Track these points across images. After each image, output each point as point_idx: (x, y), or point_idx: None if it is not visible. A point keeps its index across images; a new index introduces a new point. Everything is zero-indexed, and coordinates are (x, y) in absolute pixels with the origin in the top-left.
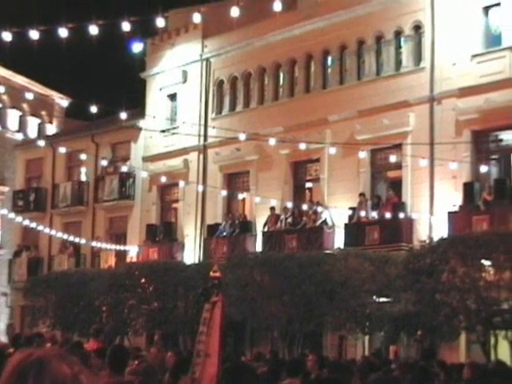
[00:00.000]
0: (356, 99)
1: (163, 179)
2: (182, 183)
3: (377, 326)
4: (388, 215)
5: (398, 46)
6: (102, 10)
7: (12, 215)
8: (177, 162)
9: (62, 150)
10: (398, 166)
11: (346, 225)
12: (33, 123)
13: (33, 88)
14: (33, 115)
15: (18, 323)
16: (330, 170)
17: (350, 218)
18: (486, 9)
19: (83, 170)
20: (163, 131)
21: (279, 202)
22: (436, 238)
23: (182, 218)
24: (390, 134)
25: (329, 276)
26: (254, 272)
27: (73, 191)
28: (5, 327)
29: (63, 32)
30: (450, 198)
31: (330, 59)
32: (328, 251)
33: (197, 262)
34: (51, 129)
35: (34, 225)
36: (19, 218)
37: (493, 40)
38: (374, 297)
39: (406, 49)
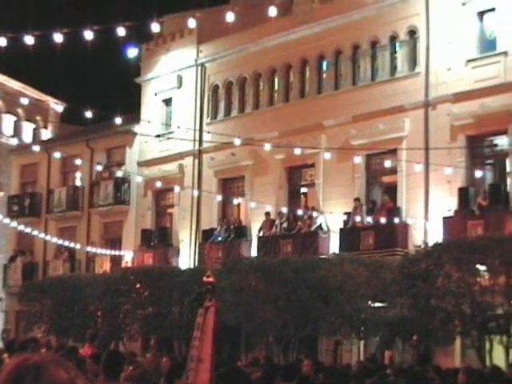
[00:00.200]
0: (351, 104)
1: (158, 184)
2: (177, 188)
3: (372, 331)
4: (383, 220)
5: (393, 51)
6: (97, 16)
7: (7, 220)
8: (172, 166)
9: (57, 155)
10: (393, 171)
11: (341, 230)
12: (28, 128)
13: (28, 93)
14: (28, 120)
15: (12, 328)
16: (325, 175)
17: (345, 223)
18: (481, 14)
19: (78, 175)
20: (158, 136)
21: (274, 207)
22: (431, 243)
23: (177, 222)
24: (385, 139)
25: (324, 281)
26: (249, 277)
27: (68, 196)
28: (0, 332)
29: (58, 37)
30: (445, 203)
31: (325, 64)
32: (323, 256)
33: (192, 267)
34: (46, 134)
35: (28, 230)
36: (14, 223)
37: (487, 45)
38: (369, 302)
39: (401, 54)
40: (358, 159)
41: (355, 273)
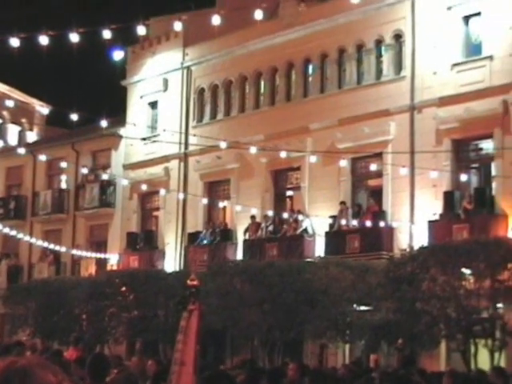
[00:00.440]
0: (337, 108)
1: (144, 187)
2: (162, 191)
3: (357, 335)
4: (368, 224)
5: (379, 55)
6: (82, 18)
7: None
8: (157, 169)
9: (43, 157)
10: (379, 174)
11: (326, 233)
12: (13, 131)
13: (13, 95)
14: (13, 123)
15: None
16: (310, 179)
17: (331, 226)
18: (467, 18)
19: (64, 177)
20: (144, 139)
21: (260, 211)
22: (416, 247)
23: (163, 226)
24: (371, 142)
25: (309, 284)
26: (235, 280)
27: (53, 199)
28: None
29: (44, 39)
30: (431, 206)
31: (310, 68)
32: (309, 259)
33: (177, 270)
34: (31, 136)
35: (14, 233)
36: None
37: (473, 49)
38: (355, 305)
39: (387, 58)
40: (344, 162)
41: (341, 276)
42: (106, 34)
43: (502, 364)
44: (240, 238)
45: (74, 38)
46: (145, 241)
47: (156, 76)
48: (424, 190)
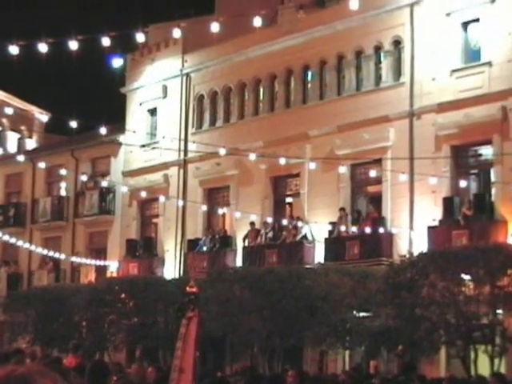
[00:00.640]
0: (336, 114)
1: (143, 194)
2: (162, 198)
3: (357, 341)
4: (368, 230)
5: (378, 61)
6: (81, 25)
7: None
8: (157, 176)
9: (42, 165)
10: (378, 180)
11: (326, 239)
12: (12, 138)
13: (12, 103)
14: (12, 130)
15: None
16: (310, 185)
17: (330, 232)
18: (465, 24)
19: (63, 185)
20: (143, 146)
21: (259, 217)
22: (416, 253)
23: (163, 232)
24: (370, 148)
25: (309, 291)
26: (234, 287)
27: (52, 206)
28: None
29: (43, 47)
30: (430, 212)
31: (310, 74)
32: (308, 266)
33: (177, 277)
34: (31, 144)
35: (13, 240)
36: None
37: (472, 55)
38: (355, 311)
39: (386, 64)
40: (343, 169)
41: (340, 283)
42: (105, 42)
43: (502, 370)
44: (239, 244)
45: (74, 45)
46: (144, 248)
47: (155, 83)
48: (423, 196)
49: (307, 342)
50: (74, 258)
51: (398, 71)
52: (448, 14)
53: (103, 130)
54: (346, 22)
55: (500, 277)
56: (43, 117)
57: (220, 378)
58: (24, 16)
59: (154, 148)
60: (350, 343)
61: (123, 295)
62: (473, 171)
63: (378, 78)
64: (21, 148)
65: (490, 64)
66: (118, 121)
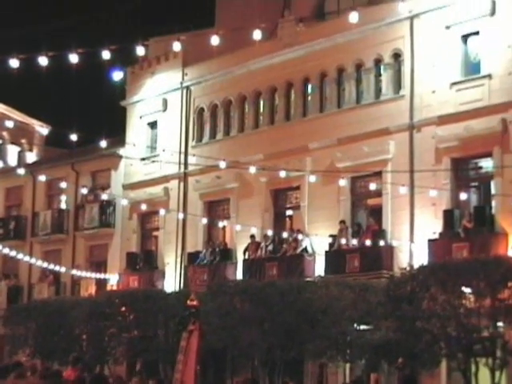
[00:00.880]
0: (336, 127)
1: (143, 207)
2: (162, 211)
3: (358, 354)
4: (368, 243)
5: (378, 74)
6: (82, 39)
7: None
8: (157, 189)
9: (42, 178)
10: (378, 193)
11: (326, 252)
12: (13, 151)
13: (12, 116)
14: (13, 143)
15: None
16: (310, 198)
17: (331, 245)
18: (465, 37)
19: (63, 198)
20: (143, 159)
21: (260, 230)
22: (416, 266)
23: (163, 245)
24: (370, 161)
25: (309, 304)
26: (235, 300)
27: (53, 219)
28: None
29: (43, 60)
30: (430, 225)
31: (310, 87)
32: (309, 279)
33: (177, 290)
34: (31, 157)
35: (13, 253)
36: None
37: (472, 68)
38: (355, 324)
39: (386, 77)
40: (343, 182)
41: (341, 295)
42: (106, 55)
43: (503, 383)
44: (240, 257)
45: (74, 58)
46: (144, 261)
47: (155, 96)
48: (424, 209)
49: (308, 355)
50: (74, 271)
51: (398, 84)
52: (448, 27)
53: (103, 143)
54: (345, 34)
55: (501, 289)
56: (43, 130)
57: None
58: (24, 29)
59: (154, 161)
60: (351, 356)
61: (123, 308)
62: (473, 184)
63: (378, 91)
64: (21, 161)
65: (489, 76)
66: (118, 134)
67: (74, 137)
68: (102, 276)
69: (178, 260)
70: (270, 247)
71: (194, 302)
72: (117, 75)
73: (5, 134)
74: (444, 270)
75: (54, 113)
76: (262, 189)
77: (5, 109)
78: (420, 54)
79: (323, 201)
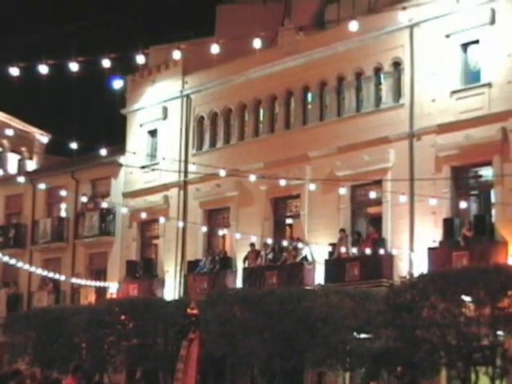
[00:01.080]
0: (336, 135)
1: (143, 215)
2: (162, 219)
3: (357, 363)
4: (368, 251)
5: (378, 83)
6: (82, 47)
7: None
8: (157, 198)
9: (42, 186)
10: (378, 202)
11: (326, 261)
12: (13, 159)
13: (13, 124)
14: (13, 151)
15: None
16: (310, 206)
17: (331, 254)
18: (465, 46)
19: (63, 206)
20: (143, 167)
21: (259, 238)
22: (416, 274)
23: (163, 254)
24: (370, 170)
25: (309, 312)
26: (235, 308)
27: (53, 227)
28: None
29: (43, 68)
30: (430, 233)
31: (310, 96)
32: (308, 287)
33: (177, 298)
34: (31, 165)
35: (13, 261)
36: None
37: (472, 76)
38: (355, 333)
39: (386, 85)
40: (343, 190)
41: (340, 304)
42: (106, 63)
43: None
44: (240, 265)
45: (74, 66)
46: (144, 269)
47: (155, 104)
48: (423, 218)
49: (307, 364)
50: (73, 280)
51: (397, 92)
52: (448, 36)
53: (103, 152)
54: (345, 43)
55: (500, 298)
56: (43, 138)
57: None
58: (24, 37)
59: (154, 169)
60: (350, 365)
61: (123, 316)
62: (473, 192)
63: (378, 100)
64: (21, 169)
65: (489, 85)
66: (118, 142)
67: (74, 145)
68: (101, 284)
69: (178, 268)
70: (270, 256)
71: (194, 311)
72: (117, 83)
73: (5, 142)
74: (444, 278)
75: (54, 121)
76: (262, 197)
77: (5, 117)
78: (420, 63)
79: (323, 209)
